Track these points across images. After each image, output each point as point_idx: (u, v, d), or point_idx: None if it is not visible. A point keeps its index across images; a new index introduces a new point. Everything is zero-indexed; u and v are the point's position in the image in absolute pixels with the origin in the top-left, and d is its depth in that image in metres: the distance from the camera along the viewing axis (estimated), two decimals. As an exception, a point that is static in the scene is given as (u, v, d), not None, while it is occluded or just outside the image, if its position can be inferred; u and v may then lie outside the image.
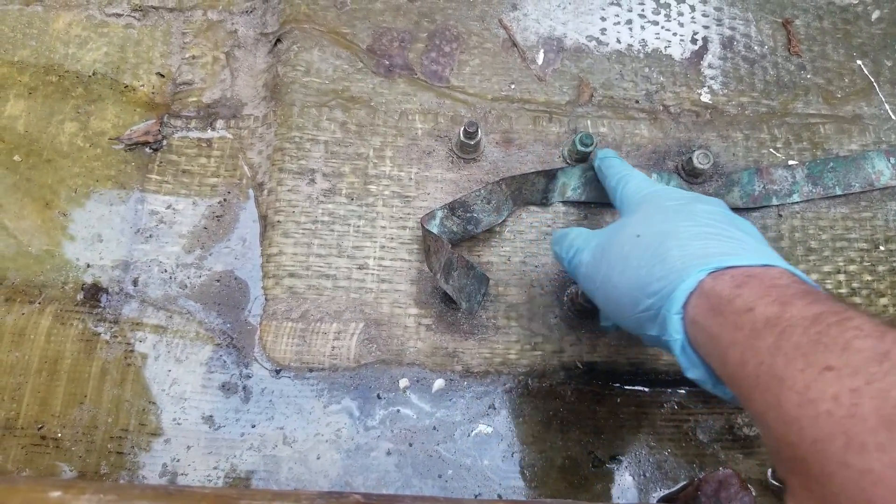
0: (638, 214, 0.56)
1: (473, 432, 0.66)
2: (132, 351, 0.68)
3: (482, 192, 0.70)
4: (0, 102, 0.79)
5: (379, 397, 0.67)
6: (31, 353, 0.68)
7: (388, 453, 0.65)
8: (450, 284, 0.65)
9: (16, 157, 0.76)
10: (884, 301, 0.72)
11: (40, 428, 0.65)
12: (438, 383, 0.67)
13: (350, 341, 0.68)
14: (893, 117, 0.80)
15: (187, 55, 0.82)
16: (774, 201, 0.75)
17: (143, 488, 0.31)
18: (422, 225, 0.68)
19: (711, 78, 0.80)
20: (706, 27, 0.82)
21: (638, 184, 0.62)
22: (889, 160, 0.77)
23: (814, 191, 0.75)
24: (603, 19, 0.82)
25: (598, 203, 0.74)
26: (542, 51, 0.80)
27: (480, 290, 0.67)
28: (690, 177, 0.74)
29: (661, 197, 0.57)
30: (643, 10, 0.82)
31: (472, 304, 0.67)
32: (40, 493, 0.31)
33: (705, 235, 0.50)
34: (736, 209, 0.74)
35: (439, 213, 0.70)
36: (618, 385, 0.68)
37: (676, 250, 0.49)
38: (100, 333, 0.69)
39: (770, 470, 0.66)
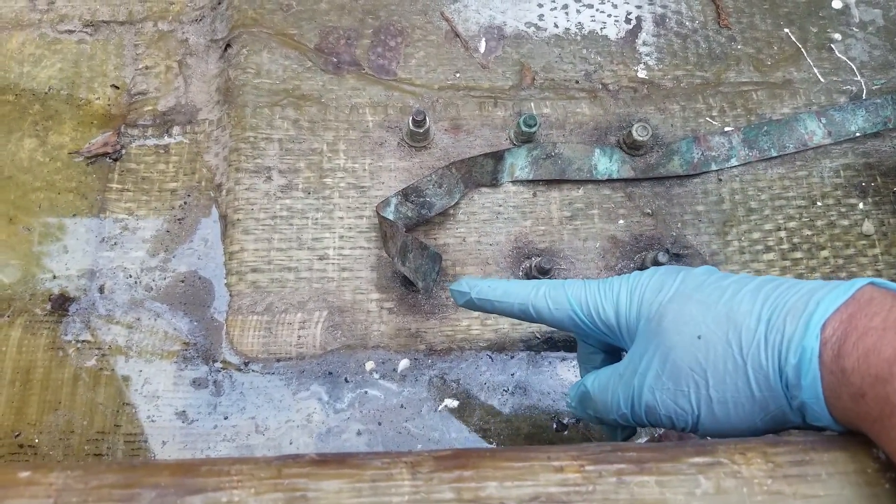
0: (664, 323, 0.47)
1: (440, 407, 0.68)
2: (103, 355, 0.70)
3: (433, 176, 0.73)
4: (-43, 124, 0.80)
5: (346, 381, 0.69)
6: (4, 365, 0.69)
7: (359, 433, 0.67)
8: (406, 266, 0.68)
9: (-24, 176, 0.77)
10: (825, 253, 0.76)
11: (17, 436, 0.67)
12: (403, 363, 0.70)
13: (315, 329, 0.71)
14: (822, 80, 0.84)
15: (140, 66, 0.84)
16: (713, 167, 0.78)
17: (109, 463, 0.33)
18: (377, 212, 0.71)
19: (646, 55, 0.83)
20: (639, 7, 0.86)
21: (601, 301, 0.53)
22: (820, 120, 0.81)
23: (750, 154, 0.79)
24: (540, 6, 0.85)
25: (545, 181, 0.77)
26: (483, 39, 0.83)
27: (434, 268, 0.70)
28: (632, 149, 0.77)
29: (659, 293, 0.49)
30: (578, -6, 0.86)
31: (428, 281, 0.69)
32: (10, 474, 0.33)
33: (766, 294, 0.44)
34: (677, 176, 0.78)
35: (393, 200, 0.72)
36: (574, 352, 0.71)
37: (763, 325, 0.42)
38: (70, 341, 0.70)
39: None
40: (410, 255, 0.68)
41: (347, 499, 0.30)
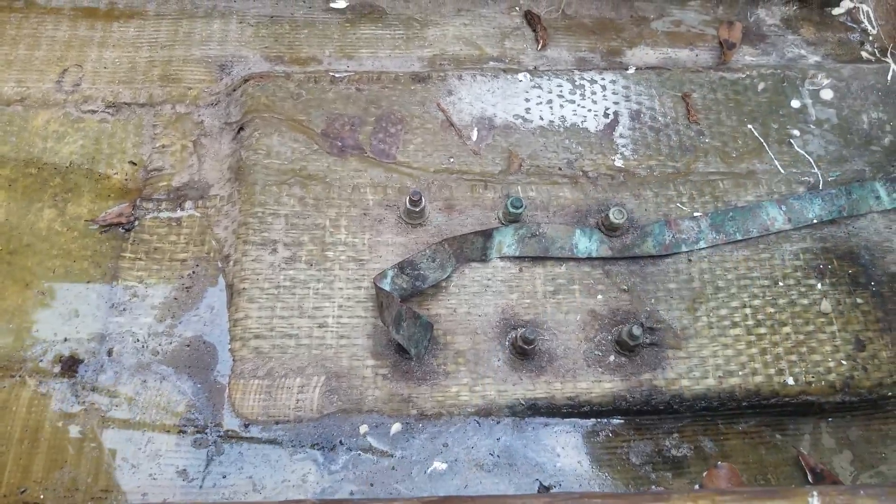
0: None
1: (429, 469, 0.72)
2: (109, 416, 0.73)
3: (427, 251, 0.79)
4: (-18, 194, 0.86)
5: (341, 443, 0.73)
6: (13, 425, 0.72)
7: (351, 494, 0.71)
8: (400, 334, 0.73)
9: (-2, 243, 0.83)
10: (786, 329, 0.82)
11: (23, 492, 0.69)
12: (395, 427, 0.74)
13: (313, 394, 0.75)
14: (782, 171, 0.92)
15: (157, 144, 0.90)
16: (684, 248, 0.85)
17: None
18: (374, 284, 0.77)
19: (623, 146, 0.92)
20: (616, 103, 0.95)
21: None
22: (781, 208, 0.88)
23: (717, 237, 0.86)
24: (527, 100, 0.94)
25: (531, 257, 0.83)
26: (475, 129, 0.91)
27: (426, 335, 0.75)
28: (609, 231, 0.84)
29: None
30: (561, 91, 0.95)
31: (420, 349, 0.74)
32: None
33: None
34: (651, 256, 0.84)
35: (390, 273, 0.78)
36: (556, 418, 0.76)
37: None
38: (77, 400, 0.74)
39: (697, 486, 0.73)
40: (404, 323, 0.73)
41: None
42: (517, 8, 1.05)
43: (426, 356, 0.76)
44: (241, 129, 0.89)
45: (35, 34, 0.99)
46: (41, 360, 0.76)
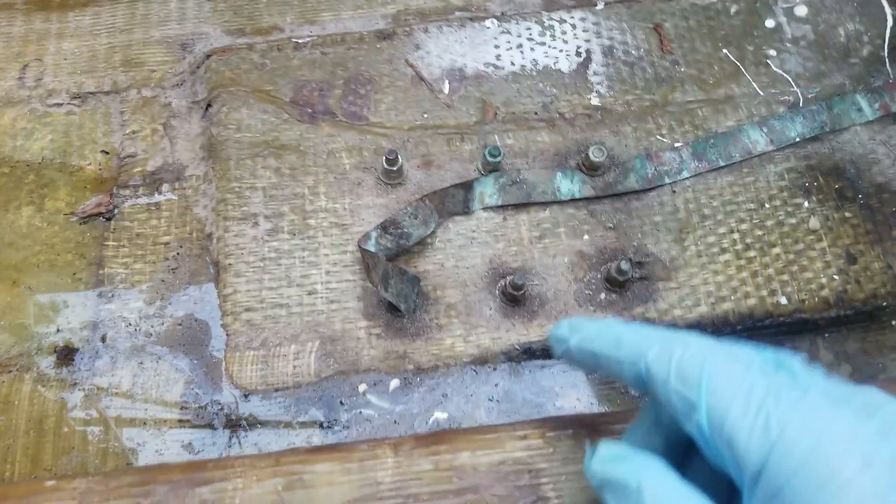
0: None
1: (430, 420, 0.72)
2: (110, 398, 0.74)
3: (409, 208, 0.79)
4: (-42, 198, 0.86)
5: (342, 403, 0.73)
6: (18, 417, 0.73)
7: (356, 453, 0.71)
8: (389, 292, 0.73)
9: (-21, 244, 0.82)
10: (776, 250, 0.82)
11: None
12: (394, 383, 0.74)
13: (309, 359, 0.75)
14: (761, 93, 0.91)
15: (128, 131, 0.90)
16: (667, 180, 0.84)
17: (125, 468, 0.37)
18: (359, 246, 0.76)
19: (598, 83, 0.90)
20: (587, 41, 0.93)
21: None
22: (762, 130, 0.87)
23: (700, 166, 0.85)
24: (496, 47, 0.92)
25: (513, 205, 0.83)
26: (447, 81, 0.90)
27: (414, 290, 0.75)
28: (590, 171, 0.83)
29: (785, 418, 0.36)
30: (531, 34, 0.93)
31: (409, 303, 0.74)
32: (38, 484, 0.37)
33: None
34: (634, 192, 0.84)
35: (373, 234, 0.78)
36: (552, 360, 0.76)
37: None
38: (78, 388, 0.74)
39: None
40: (392, 280, 0.73)
41: (338, 477, 0.34)
42: (478, -45, 1.03)
43: (418, 311, 0.76)
44: (209, 105, 0.88)
45: (-8, 32, 0.97)
46: (36, 353, 0.76)
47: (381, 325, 0.77)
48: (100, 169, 0.88)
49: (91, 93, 0.92)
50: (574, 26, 0.94)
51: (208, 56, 0.91)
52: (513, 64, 0.91)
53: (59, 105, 0.92)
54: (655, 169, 0.84)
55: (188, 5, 0.97)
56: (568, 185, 0.83)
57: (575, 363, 0.45)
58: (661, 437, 0.41)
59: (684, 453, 0.41)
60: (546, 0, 0.99)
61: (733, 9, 0.97)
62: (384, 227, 0.78)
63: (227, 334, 0.76)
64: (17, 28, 0.97)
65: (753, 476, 0.33)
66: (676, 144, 0.86)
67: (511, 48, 0.92)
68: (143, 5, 0.98)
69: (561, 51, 0.92)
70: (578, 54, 0.92)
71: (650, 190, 0.84)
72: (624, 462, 0.36)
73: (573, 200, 0.83)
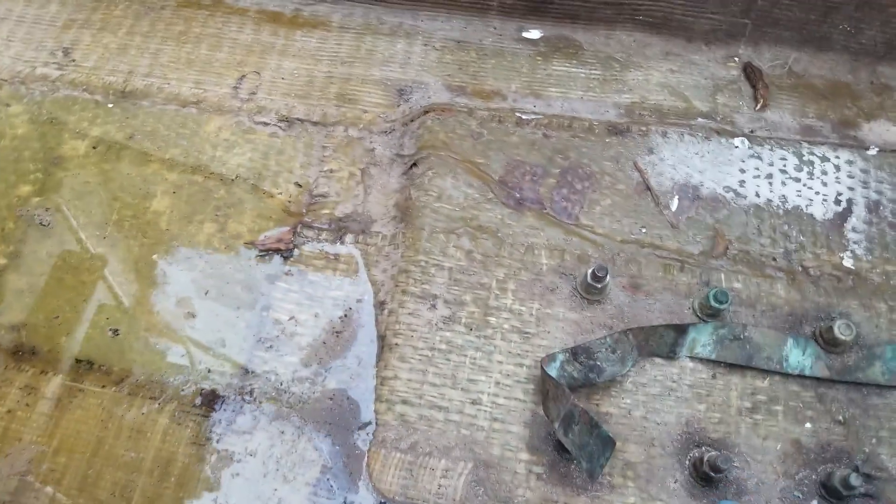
0: None
1: None
2: (241, 462, 0.68)
3: (608, 340, 0.68)
4: (148, 197, 0.84)
5: (483, 548, 0.64)
6: (146, 452, 0.69)
7: None
8: (569, 438, 0.63)
9: (154, 256, 0.80)
10: None
11: (144, 531, 0.65)
12: (546, 540, 0.64)
13: (457, 481, 0.66)
14: None
15: (325, 168, 0.85)
16: (923, 382, 0.69)
17: None
18: (542, 366, 0.67)
19: (855, 242, 0.77)
20: (851, 188, 0.80)
21: None
22: None
23: (969, 376, 0.69)
24: (742, 171, 0.80)
25: (728, 363, 0.70)
26: (676, 197, 0.79)
27: (605, 453, 0.64)
28: (829, 346, 0.70)
29: None
30: (784, 166, 0.81)
31: (595, 465, 0.63)
32: None
33: None
34: (877, 385, 0.69)
35: (560, 357, 0.68)
36: (743, 571, 0.63)
37: None
38: (212, 440, 0.69)
39: None
40: (576, 427, 0.63)
41: None
42: (736, 58, 0.91)
43: (601, 472, 0.65)
44: (415, 164, 0.82)
45: (218, 34, 0.97)
46: (183, 389, 0.72)
47: (544, 463, 0.67)
48: (289, 201, 0.84)
49: (299, 119, 0.88)
50: (838, 168, 0.81)
51: (426, 111, 0.85)
52: (758, 195, 0.79)
53: (266, 124, 0.89)
54: (910, 365, 0.69)
55: (415, 49, 0.92)
56: (799, 357, 0.70)
57: None
58: None
59: None
60: (804, 127, 0.86)
61: None
62: (574, 354, 0.68)
63: (376, 424, 0.69)
64: (245, 35, 0.96)
65: None
66: (941, 340, 0.71)
67: (759, 176, 0.80)
68: (371, 39, 0.94)
69: (817, 193, 0.79)
70: (837, 202, 0.79)
71: (898, 389, 0.69)
72: None
73: (801, 377, 0.70)
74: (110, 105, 0.91)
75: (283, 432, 0.69)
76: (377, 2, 0.95)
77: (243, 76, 0.93)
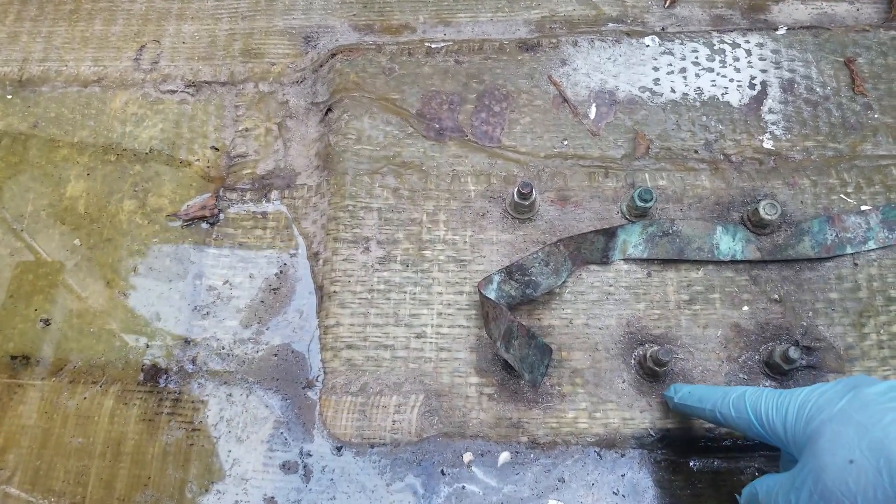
0: (820, 443, 0.46)
1: (544, 509, 0.63)
2: (193, 431, 0.67)
3: (539, 253, 0.68)
4: (61, 184, 0.81)
5: (443, 473, 0.64)
6: (96, 436, 0.68)
7: (456, 533, 0.62)
8: (510, 353, 0.63)
9: (76, 241, 0.77)
10: (980, 353, 0.67)
11: (105, 512, 0.65)
12: (504, 456, 0.65)
13: (411, 414, 0.67)
14: (973, 153, 0.75)
15: (240, 128, 0.83)
16: (849, 250, 0.71)
17: None
18: (479, 290, 0.67)
19: (773, 123, 0.77)
20: (764, 71, 0.80)
21: (776, 405, 0.52)
22: (973, 200, 0.72)
23: (890, 237, 0.71)
24: (655, 69, 0.80)
25: (661, 260, 0.71)
26: (594, 105, 0.78)
27: (543, 361, 0.65)
28: (757, 227, 0.71)
29: (823, 411, 0.48)
30: (696, 58, 0.80)
31: (536, 375, 0.64)
32: None
33: None
34: (808, 259, 0.71)
35: (496, 278, 0.68)
36: (693, 454, 0.65)
37: None
38: (161, 414, 0.68)
39: None
40: (515, 342, 0.63)
41: None
42: (640, -41, 0.90)
43: (542, 381, 0.66)
44: (329, 110, 0.80)
45: (111, 7, 0.92)
46: (123, 368, 0.71)
47: (494, 383, 0.68)
48: (207, 166, 0.81)
49: (206, 82, 0.86)
50: (749, 52, 0.81)
51: (333, 55, 0.83)
52: (673, 91, 0.79)
53: (173, 92, 0.86)
54: (836, 235, 0.71)
55: (315, -6, 0.90)
56: (729, 243, 0.71)
57: (679, 412, 0.63)
58: (790, 465, 0.52)
59: None
60: (714, 17, 0.86)
61: (943, 45, 0.81)
62: (509, 272, 0.68)
63: (324, 372, 0.69)
64: (138, 5, 0.92)
65: (794, 442, 0.49)
66: (863, 208, 0.72)
67: (673, 72, 0.80)
68: (269, -10, 0.90)
69: (731, 80, 0.79)
70: (752, 86, 0.79)
71: (827, 259, 0.71)
72: None
73: (734, 262, 0.71)
74: (9, 97, 0.87)
75: (230, 395, 0.69)
76: (270, -50, 0.92)
77: (143, 46, 0.89)
